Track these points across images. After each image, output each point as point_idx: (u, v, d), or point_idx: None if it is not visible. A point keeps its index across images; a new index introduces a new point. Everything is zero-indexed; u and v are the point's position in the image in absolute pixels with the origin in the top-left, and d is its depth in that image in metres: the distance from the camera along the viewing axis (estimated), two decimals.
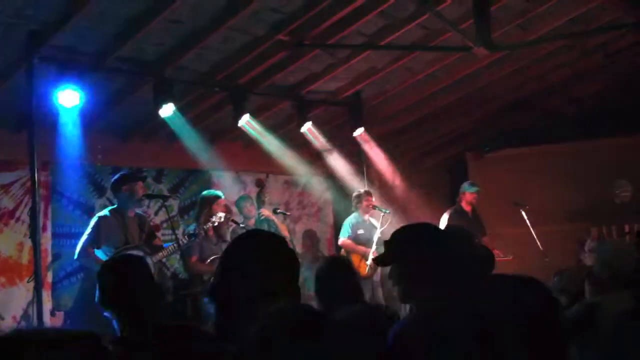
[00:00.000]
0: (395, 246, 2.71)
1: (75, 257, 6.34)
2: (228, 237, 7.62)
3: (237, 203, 8.42)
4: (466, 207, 9.34)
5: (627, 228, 9.70)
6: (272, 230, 8.20)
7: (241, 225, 7.67)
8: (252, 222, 8.10)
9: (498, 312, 1.78)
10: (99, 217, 6.38)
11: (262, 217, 8.12)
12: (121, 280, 3.14)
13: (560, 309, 1.91)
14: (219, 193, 7.49)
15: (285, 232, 8.23)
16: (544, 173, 10.85)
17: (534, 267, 7.30)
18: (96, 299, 3.20)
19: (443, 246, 2.66)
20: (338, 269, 4.18)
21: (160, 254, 6.56)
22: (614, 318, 2.58)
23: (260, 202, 8.22)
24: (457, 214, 9.22)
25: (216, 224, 7.02)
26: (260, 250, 2.35)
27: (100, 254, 6.16)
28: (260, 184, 8.35)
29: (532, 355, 1.76)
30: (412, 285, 2.62)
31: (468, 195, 9.31)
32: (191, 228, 7.16)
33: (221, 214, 7.10)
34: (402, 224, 2.88)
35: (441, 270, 2.55)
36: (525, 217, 9.09)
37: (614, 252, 3.44)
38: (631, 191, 10.49)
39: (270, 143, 8.48)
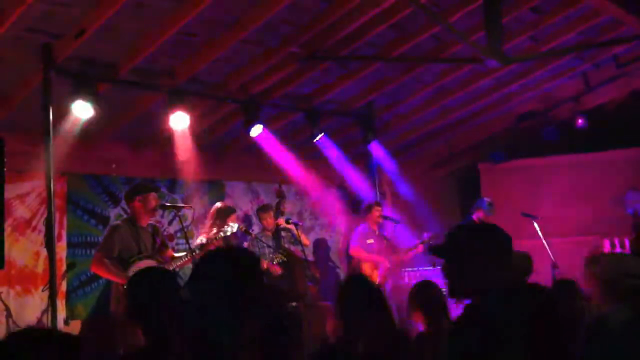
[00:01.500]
0: (454, 243, 2.76)
1: (90, 266, 6.40)
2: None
3: (257, 212, 8.46)
4: (476, 221, 9.40)
5: None
6: (294, 239, 8.21)
7: (254, 234, 7.70)
8: (269, 233, 8.14)
9: (499, 315, 1.81)
10: (113, 227, 6.43)
11: (282, 227, 8.16)
12: (151, 294, 3.17)
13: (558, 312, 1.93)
14: (232, 207, 7.58)
15: (306, 242, 8.25)
16: (555, 184, 10.80)
17: (546, 278, 7.29)
18: (125, 311, 3.22)
19: (496, 252, 2.70)
20: (360, 285, 4.15)
21: (174, 264, 6.60)
22: (611, 331, 2.60)
23: (279, 213, 8.25)
24: None
25: (228, 233, 7.04)
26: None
27: None
28: (281, 195, 8.37)
29: (533, 356, 1.78)
30: (462, 283, 2.68)
31: (482, 213, 9.39)
32: (202, 239, 7.18)
33: (233, 225, 7.12)
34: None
35: (490, 274, 2.60)
36: (538, 228, 9.07)
37: (607, 264, 3.42)
38: None
39: (283, 153, 8.54)
